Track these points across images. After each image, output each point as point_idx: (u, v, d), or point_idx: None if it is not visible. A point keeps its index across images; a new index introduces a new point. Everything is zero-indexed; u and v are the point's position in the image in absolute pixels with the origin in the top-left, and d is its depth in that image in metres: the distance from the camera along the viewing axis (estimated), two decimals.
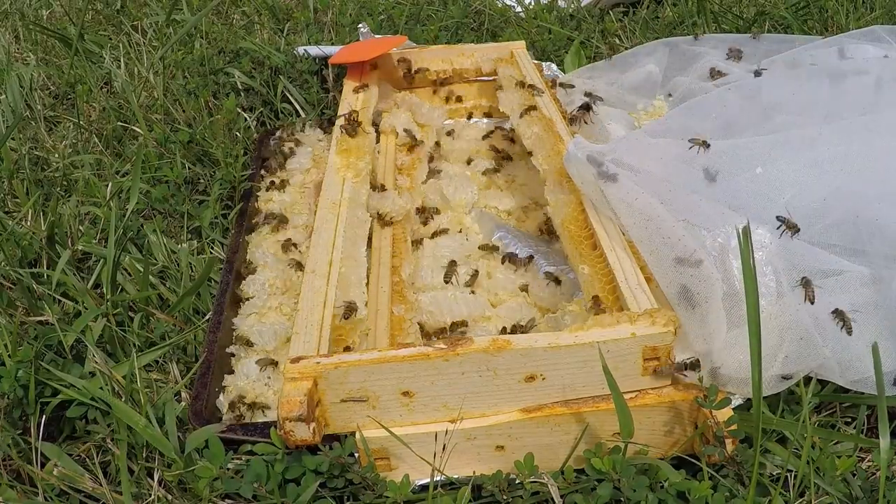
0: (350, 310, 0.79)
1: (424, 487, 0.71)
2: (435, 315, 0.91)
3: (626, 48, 1.43)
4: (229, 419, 0.80)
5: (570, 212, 0.91)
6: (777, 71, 1.09)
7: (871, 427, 0.77)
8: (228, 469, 0.72)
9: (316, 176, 1.19)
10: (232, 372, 0.88)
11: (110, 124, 1.31)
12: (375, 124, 1.20)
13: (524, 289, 0.96)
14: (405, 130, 1.20)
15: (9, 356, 0.79)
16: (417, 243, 1.03)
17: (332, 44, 1.53)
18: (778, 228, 0.78)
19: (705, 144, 0.86)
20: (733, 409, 0.70)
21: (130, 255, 1.03)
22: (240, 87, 1.41)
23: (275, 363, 0.86)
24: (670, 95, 1.25)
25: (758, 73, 1.12)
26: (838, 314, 0.72)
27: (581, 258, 0.85)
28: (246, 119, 1.33)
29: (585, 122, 1.10)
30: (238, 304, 0.96)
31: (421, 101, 1.28)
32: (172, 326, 0.91)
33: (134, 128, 1.30)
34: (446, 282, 0.94)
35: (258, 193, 1.15)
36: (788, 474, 0.70)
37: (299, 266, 0.98)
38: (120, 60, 1.51)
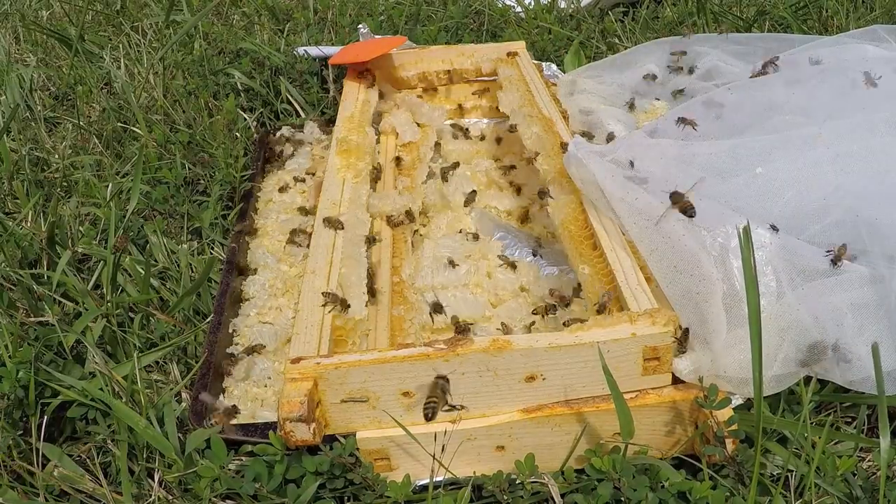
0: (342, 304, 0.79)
1: (425, 488, 0.71)
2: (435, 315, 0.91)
3: (626, 48, 1.43)
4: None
5: (570, 212, 0.91)
6: (777, 70, 1.08)
7: (872, 427, 0.77)
8: (229, 469, 0.72)
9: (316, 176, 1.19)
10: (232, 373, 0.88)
11: (110, 125, 1.31)
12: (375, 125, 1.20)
13: (524, 289, 0.96)
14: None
15: (9, 357, 0.79)
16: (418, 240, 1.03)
17: (332, 44, 1.53)
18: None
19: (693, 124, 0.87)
20: (733, 409, 0.70)
21: (131, 255, 1.03)
22: (240, 87, 1.41)
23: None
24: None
25: (763, 72, 1.11)
26: None
27: (581, 258, 0.85)
28: (246, 119, 1.33)
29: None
30: (238, 304, 0.96)
31: (421, 101, 1.28)
32: (173, 327, 0.91)
33: (134, 128, 1.30)
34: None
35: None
36: (789, 474, 0.70)
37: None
38: (120, 61, 1.51)
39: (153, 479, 0.74)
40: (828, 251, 0.76)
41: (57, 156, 1.26)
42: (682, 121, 0.92)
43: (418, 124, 1.25)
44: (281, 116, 1.39)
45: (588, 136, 1.06)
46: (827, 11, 1.57)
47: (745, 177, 0.84)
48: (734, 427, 0.67)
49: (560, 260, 0.98)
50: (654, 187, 0.82)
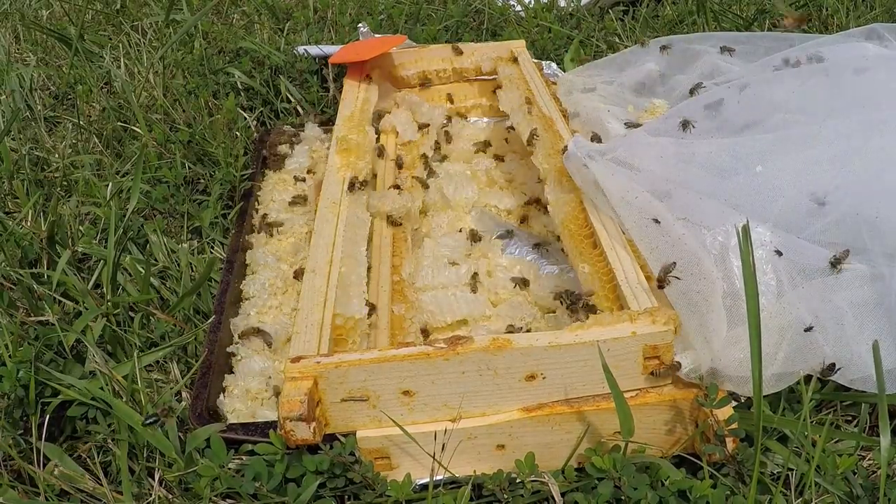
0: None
1: (425, 487, 0.71)
2: (435, 314, 0.91)
3: (626, 47, 1.43)
4: None
5: (570, 210, 0.91)
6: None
7: (872, 426, 0.77)
8: (229, 468, 0.72)
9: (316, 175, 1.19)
10: (232, 372, 0.88)
11: (110, 124, 1.31)
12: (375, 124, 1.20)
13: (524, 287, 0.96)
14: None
15: (9, 356, 0.79)
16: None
17: (332, 43, 1.53)
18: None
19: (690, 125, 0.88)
20: (734, 407, 0.69)
21: (131, 255, 1.03)
22: (240, 86, 1.41)
23: None
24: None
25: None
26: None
27: (581, 257, 0.85)
28: (246, 119, 1.33)
29: None
30: (238, 304, 0.96)
31: (421, 100, 1.28)
32: (173, 326, 0.91)
33: (134, 128, 1.30)
34: None
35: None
36: (789, 473, 0.70)
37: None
38: (120, 60, 1.51)
39: (153, 479, 0.74)
40: (832, 255, 0.76)
41: (57, 155, 1.26)
42: (683, 123, 0.92)
43: (418, 124, 1.25)
44: (281, 116, 1.39)
45: (596, 138, 1.06)
46: (827, 10, 1.57)
47: (745, 175, 0.84)
48: (734, 426, 0.67)
49: (560, 258, 0.98)
50: (653, 186, 0.82)
